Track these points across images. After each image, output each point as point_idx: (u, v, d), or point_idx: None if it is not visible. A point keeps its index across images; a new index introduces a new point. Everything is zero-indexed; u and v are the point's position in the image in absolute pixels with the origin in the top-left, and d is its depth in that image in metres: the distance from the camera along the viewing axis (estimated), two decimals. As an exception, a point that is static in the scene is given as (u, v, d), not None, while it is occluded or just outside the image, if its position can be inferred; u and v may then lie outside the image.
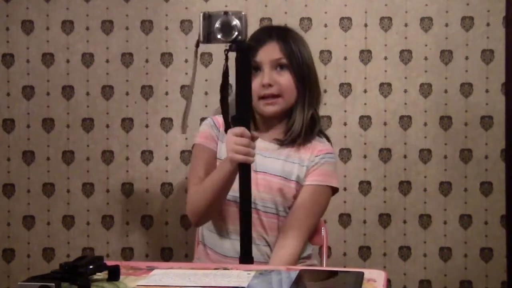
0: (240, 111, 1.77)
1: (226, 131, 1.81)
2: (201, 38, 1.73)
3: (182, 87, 2.52)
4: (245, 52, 1.74)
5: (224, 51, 1.74)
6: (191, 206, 1.95)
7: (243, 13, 1.72)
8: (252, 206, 1.84)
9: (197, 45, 1.76)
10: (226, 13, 1.72)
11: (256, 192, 1.93)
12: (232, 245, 1.96)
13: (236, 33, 1.71)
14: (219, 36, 1.72)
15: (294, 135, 2.00)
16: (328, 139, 2.08)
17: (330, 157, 2.01)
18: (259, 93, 1.97)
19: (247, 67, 1.75)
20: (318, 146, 2.01)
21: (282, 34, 2.02)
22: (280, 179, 1.97)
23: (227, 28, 1.71)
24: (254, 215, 1.89)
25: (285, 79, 1.99)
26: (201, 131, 2.08)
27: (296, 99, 2.00)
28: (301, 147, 2.00)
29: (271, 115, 2.00)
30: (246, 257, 1.74)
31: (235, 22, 1.71)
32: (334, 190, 2.01)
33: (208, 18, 1.72)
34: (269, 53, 1.98)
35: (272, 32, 2.03)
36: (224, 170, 1.83)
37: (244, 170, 1.76)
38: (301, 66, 2.00)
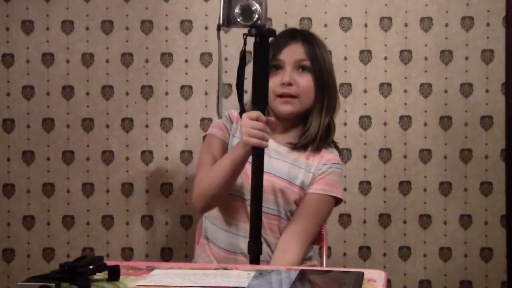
0: (257, 96, 1.77)
1: (241, 114, 1.81)
2: (221, 22, 1.71)
3: (182, 87, 2.52)
4: (264, 37, 1.73)
5: (243, 35, 1.74)
6: (199, 191, 1.94)
7: None
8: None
9: (218, 29, 1.74)
10: None
11: None
12: (235, 240, 1.96)
13: (256, 17, 1.70)
14: (239, 20, 1.71)
15: (309, 139, 1.99)
16: (338, 149, 2.07)
17: (337, 167, 2.00)
18: (277, 91, 1.96)
19: (265, 52, 1.75)
20: (327, 155, 2.00)
21: (307, 37, 2.03)
22: (284, 182, 1.96)
23: (247, 12, 1.70)
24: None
25: (305, 80, 1.99)
26: (215, 121, 2.08)
27: (313, 103, 2.00)
28: (311, 154, 2.00)
29: (286, 115, 2.00)
30: (256, 240, 1.75)
31: (256, 6, 1.70)
32: (338, 201, 2.01)
33: (229, 1, 1.71)
34: (293, 53, 1.98)
35: (298, 34, 2.04)
36: (237, 153, 1.83)
37: (257, 154, 1.77)
38: (323, 70, 2.00)
